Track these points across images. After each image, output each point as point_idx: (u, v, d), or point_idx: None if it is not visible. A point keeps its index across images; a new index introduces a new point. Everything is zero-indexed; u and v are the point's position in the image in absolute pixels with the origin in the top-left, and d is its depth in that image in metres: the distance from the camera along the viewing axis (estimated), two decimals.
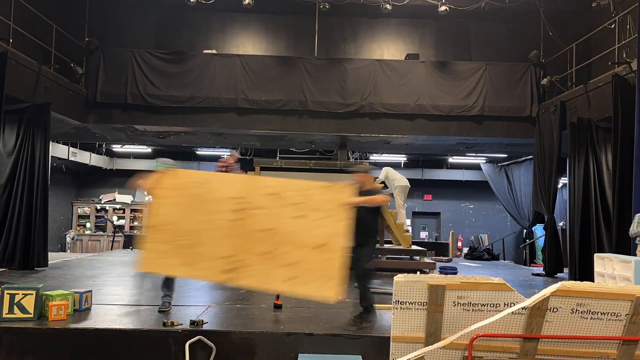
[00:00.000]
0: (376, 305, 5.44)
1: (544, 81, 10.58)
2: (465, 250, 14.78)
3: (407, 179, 16.85)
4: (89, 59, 10.69)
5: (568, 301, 3.05)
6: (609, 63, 8.30)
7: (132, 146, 15.22)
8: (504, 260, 14.24)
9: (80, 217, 16.29)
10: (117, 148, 15.84)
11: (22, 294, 4.62)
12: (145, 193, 5.37)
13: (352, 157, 14.75)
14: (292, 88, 10.75)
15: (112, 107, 10.71)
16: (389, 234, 10.41)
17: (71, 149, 14.33)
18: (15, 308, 4.57)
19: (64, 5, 10.89)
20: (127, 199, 16.52)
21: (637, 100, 6.90)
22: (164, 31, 12.11)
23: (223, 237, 4.68)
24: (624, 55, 8.36)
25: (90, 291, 5.29)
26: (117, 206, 16.37)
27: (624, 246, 7.09)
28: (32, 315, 4.59)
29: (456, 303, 3.21)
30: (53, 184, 10.82)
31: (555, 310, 3.06)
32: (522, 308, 3.08)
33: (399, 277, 3.31)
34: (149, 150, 16.12)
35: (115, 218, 16.20)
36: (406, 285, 3.26)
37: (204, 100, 10.65)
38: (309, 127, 10.91)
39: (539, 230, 13.77)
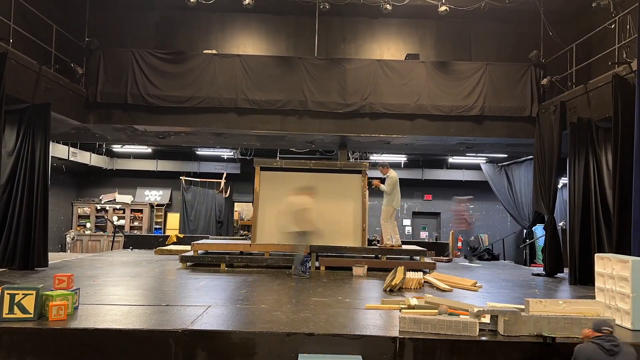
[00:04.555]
0: (373, 305, 5.43)
1: (544, 81, 10.58)
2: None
3: (407, 179, 17.03)
4: (89, 59, 10.69)
5: None
6: (609, 63, 8.29)
7: (132, 146, 15.22)
8: (504, 260, 14.24)
9: (80, 217, 16.31)
10: (117, 148, 15.85)
11: (22, 294, 4.61)
12: None
13: (352, 157, 14.75)
14: (292, 88, 10.75)
15: (112, 107, 10.71)
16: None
17: (71, 149, 14.33)
18: (16, 308, 4.57)
19: (64, 5, 10.89)
20: (127, 199, 16.54)
21: (637, 100, 6.89)
22: (164, 31, 12.12)
23: None
24: (624, 55, 8.35)
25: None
26: (117, 206, 16.38)
27: (624, 246, 7.08)
28: (32, 315, 4.59)
29: None
30: (53, 184, 10.82)
31: None
32: None
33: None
34: (149, 150, 16.13)
35: (115, 218, 16.20)
36: None
37: (204, 101, 10.65)
38: (309, 127, 10.90)
39: (539, 230, 13.77)
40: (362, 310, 5.56)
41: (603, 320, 4.21)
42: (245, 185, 16.47)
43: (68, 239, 15.70)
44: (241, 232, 17.22)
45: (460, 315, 4.72)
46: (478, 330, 4.53)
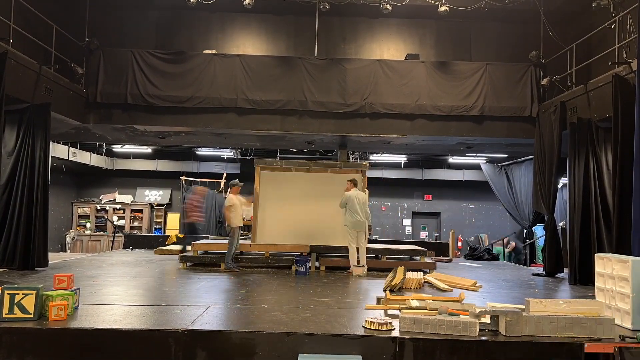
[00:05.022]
0: (373, 305, 5.44)
1: (544, 81, 10.58)
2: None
3: (407, 179, 17.07)
4: (89, 59, 10.69)
5: None
6: (609, 63, 8.29)
7: (132, 146, 15.23)
8: (504, 260, 14.23)
9: (80, 217, 16.32)
10: (117, 148, 15.85)
11: (22, 294, 4.61)
12: None
13: (352, 157, 14.76)
14: (292, 88, 10.75)
15: (112, 107, 10.71)
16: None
17: (71, 149, 14.33)
18: (16, 308, 4.57)
19: (64, 5, 10.89)
20: (127, 199, 16.53)
21: (637, 100, 6.89)
22: (164, 31, 12.12)
23: None
24: (624, 55, 8.36)
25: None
26: (117, 206, 16.39)
27: (624, 246, 7.08)
28: (32, 315, 4.59)
29: None
30: (53, 184, 10.82)
31: None
32: None
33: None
34: (149, 150, 16.13)
35: (115, 218, 16.21)
36: None
37: (204, 101, 10.65)
38: (309, 127, 10.90)
39: (539, 230, 13.77)
40: (362, 310, 5.56)
41: None
42: (245, 185, 16.44)
43: (68, 239, 15.70)
44: (241, 232, 17.20)
45: (460, 315, 4.72)
46: (478, 330, 4.53)
